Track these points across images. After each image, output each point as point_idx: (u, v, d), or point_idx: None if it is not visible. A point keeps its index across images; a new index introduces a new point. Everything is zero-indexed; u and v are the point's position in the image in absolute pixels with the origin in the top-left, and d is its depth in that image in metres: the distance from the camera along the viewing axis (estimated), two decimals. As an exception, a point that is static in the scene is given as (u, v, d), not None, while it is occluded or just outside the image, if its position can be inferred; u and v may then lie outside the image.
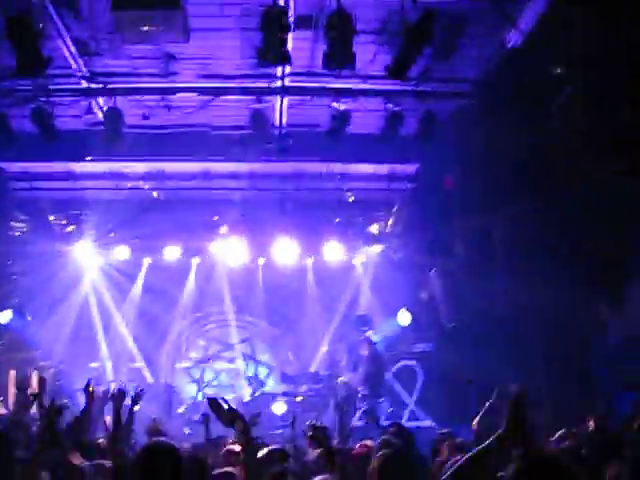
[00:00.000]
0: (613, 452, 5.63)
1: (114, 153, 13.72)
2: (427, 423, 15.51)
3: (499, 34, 11.44)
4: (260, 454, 5.53)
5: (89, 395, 7.12)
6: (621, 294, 12.64)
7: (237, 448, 5.80)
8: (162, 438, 4.44)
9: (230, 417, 4.56)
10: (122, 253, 17.20)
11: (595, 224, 12.28)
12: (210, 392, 17.26)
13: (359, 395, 14.99)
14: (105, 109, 12.85)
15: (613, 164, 11.83)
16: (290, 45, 10.81)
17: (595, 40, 10.28)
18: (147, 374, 17.84)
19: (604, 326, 13.24)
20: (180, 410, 16.35)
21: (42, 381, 7.52)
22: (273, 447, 6.29)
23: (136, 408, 7.37)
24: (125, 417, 7.10)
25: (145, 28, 9.83)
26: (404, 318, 17.31)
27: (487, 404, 6.04)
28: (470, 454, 3.80)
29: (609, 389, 12.19)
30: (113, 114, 12.57)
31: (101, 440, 7.32)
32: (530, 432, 4.50)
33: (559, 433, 6.96)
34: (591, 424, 7.48)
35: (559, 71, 11.07)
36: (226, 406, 4.69)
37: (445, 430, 8.81)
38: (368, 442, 6.43)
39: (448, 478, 3.74)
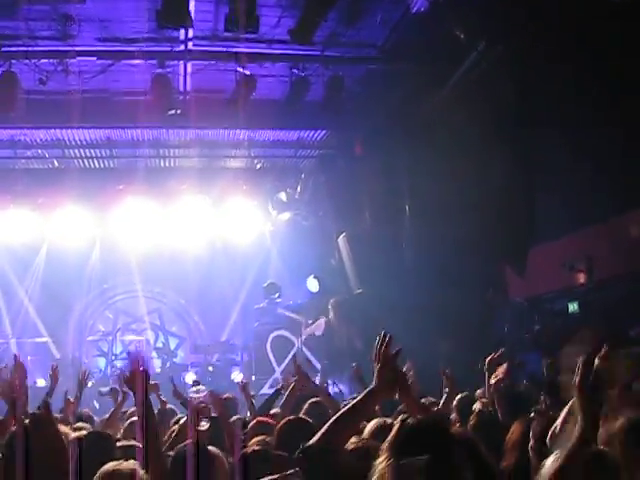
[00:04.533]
0: (521, 409, 5.72)
1: (10, 120, 13.12)
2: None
3: (404, -1, 11.42)
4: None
5: None
6: (524, 256, 12.95)
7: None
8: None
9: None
10: (23, 224, 16.55)
11: (503, 188, 12.54)
12: (119, 365, 17.03)
13: None
14: (-1, 73, 12.30)
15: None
16: (193, 8, 10.55)
17: (500, 7, 10.41)
18: (53, 348, 17.41)
19: (506, 287, 13.60)
20: (88, 384, 16.03)
21: None
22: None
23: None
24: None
25: (38, -14, 9.41)
26: (313, 285, 17.35)
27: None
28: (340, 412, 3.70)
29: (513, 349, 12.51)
30: (8, 78, 12.03)
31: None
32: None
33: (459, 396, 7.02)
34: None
35: (463, 37, 11.15)
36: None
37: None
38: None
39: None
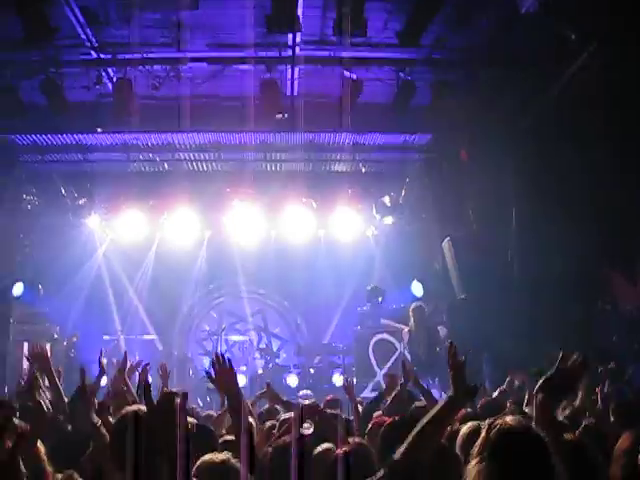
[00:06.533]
0: (634, 420, 5.58)
1: (124, 124, 13.59)
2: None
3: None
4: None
5: (101, 366, 7.52)
6: (634, 264, 12.54)
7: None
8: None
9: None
10: (134, 225, 17.11)
11: (611, 192, 12.17)
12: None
13: None
14: (115, 80, 12.78)
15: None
16: (300, 12, 10.68)
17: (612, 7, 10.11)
18: (160, 346, 17.92)
19: (616, 296, 13.16)
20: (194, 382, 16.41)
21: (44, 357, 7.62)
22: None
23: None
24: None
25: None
26: (417, 289, 17.27)
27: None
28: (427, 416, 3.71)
29: (623, 360, 12.09)
30: (123, 85, 12.48)
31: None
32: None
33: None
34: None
35: (573, 38, 10.87)
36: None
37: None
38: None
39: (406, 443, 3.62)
